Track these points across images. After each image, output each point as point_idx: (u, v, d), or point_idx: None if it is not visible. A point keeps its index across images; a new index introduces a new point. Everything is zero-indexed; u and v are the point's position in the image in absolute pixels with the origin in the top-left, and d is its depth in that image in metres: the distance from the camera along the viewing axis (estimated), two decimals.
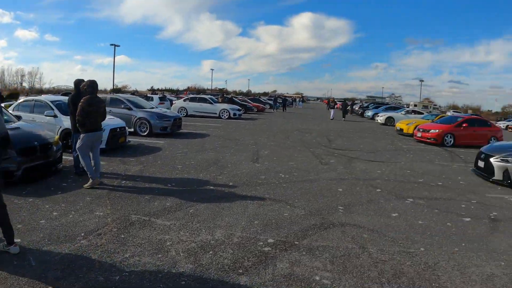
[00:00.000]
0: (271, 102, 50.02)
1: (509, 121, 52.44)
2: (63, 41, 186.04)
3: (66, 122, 9.65)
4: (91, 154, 7.11)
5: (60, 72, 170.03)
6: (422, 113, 32.58)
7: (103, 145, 9.63)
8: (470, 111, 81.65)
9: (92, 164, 7.05)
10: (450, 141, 17.67)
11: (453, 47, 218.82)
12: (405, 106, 59.79)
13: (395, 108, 39.09)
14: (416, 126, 20.02)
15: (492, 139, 17.87)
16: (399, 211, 6.49)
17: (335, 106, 40.26)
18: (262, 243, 4.78)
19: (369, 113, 40.43)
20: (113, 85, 70.12)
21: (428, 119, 24.45)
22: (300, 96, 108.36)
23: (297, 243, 4.84)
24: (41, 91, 73.32)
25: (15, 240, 4.24)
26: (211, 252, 4.43)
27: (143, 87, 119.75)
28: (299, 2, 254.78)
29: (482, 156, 10.23)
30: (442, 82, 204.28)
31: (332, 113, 35.28)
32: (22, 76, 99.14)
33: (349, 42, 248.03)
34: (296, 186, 7.84)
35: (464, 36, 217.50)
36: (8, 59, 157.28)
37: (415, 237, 5.30)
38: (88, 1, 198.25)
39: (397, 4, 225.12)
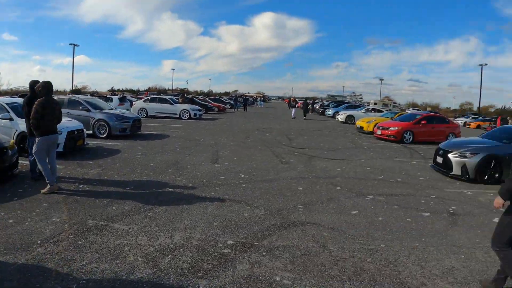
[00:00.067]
0: (232, 102, 50.27)
1: (467, 117, 55.16)
2: (22, 41, 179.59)
3: (22, 125, 9.25)
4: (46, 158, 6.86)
5: (18, 72, 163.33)
6: (382, 111, 33.45)
7: (60, 149, 9.54)
8: (429, 109, 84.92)
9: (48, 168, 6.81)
10: (409, 138, 18.25)
11: (413, 47, 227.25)
12: (366, 104, 61.46)
13: (355, 107, 40.05)
14: (376, 124, 20.54)
15: (450, 136, 18.61)
16: (359, 208, 6.59)
17: (296, 105, 40.81)
18: (221, 245, 4.73)
19: (330, 111, 41.18)
20: (72, 86, 68.94)
21: (387, 117, 25.11)
22: (261, 95, 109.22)
23: (257, 243, 4.82)
24: None
25: None
26: (170, 256, 4.35)
27: (104, 88, 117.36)
28: (260, 2, 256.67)
29: (441, 152, 10.60)
30: (401, 80, 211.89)
31: (293, 112, 35.73)
32: None
33: (311, 42, 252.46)
34: (256, 186, 7.83)
35: (423, 36, 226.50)
36: None
37: (375, 234, 5.39)
38: None
39: (357, 5, 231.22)
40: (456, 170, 9.79)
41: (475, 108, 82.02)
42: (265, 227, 5.44)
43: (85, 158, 9.99)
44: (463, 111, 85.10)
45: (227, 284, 3.79)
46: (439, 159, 10.55)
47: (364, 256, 4.61)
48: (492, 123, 42.18)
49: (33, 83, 7.44)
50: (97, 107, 14.95)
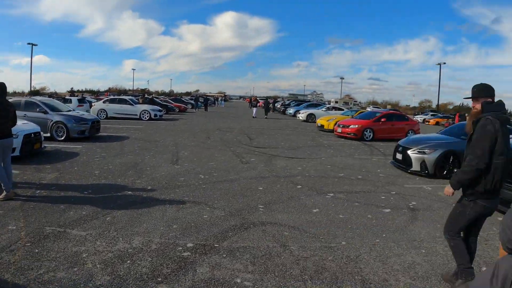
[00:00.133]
0: (193, 102, 50.00)
1: (426, 115, 57.29)
2: None
3: None
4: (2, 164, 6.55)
5: None
6: (343, 109, 34.18)
7: (16, 153, 9.34)
8: (389, 107, 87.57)
9: None
10: (370, 135, 18.71)
11: (373, 46, 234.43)
12: (327, 103, 62.55)
13: (316, 105, 40.76)
14: (337, 122, 20.94)
15: (410, 132, 19.23)
16: (320, 207, 6.65)
17: (258, 104, 40.97)
18: (181, 248, 4.66)
19: (291, 110, 41.79)
20: (31, 87, 67.31)
21: (348, 115, 25.67)
22: (222, 95, 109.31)
23: (217, 245, 4.77)
24: None
25: None
26: (129, 261, 4.24)
27: (63, 89, 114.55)
28: (222, 1, 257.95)
29: (400, 148, 10.91)
30: (362, 79, 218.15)
31: (254, 111, 35.92)
32: None
33: (272, 41, 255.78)
34: (216, 186, 7.78)
35: (384, 36, 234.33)
36: None
37: (336, 232, 5.45)
38: None
39: (319, 5, 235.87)
40: (416, 166, 10.09)
41: (434, 106, 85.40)
42: (225, 228, 5.41)
43: (42, 162, 9.69)
44: (422, 109, 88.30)
45: None
46: (399, 156, 10.84)
47: (325, 254, 4.64)
48: (450, 119, 43.85)
49: None
50: (54, 109, 14.63)
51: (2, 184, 6.47)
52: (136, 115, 26.31)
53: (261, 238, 5.09)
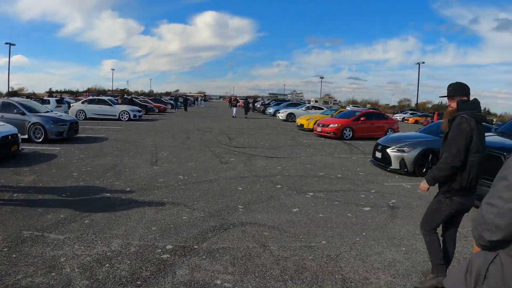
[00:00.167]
0: (172, 102, 49.67)
1: (405, 113, 58.33)
2: None
3: None
4: None
5: None
6: (322, 109, 34.46)
7: None
8: (368, 106, 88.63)
9: None
10: (349, 134, 18.87)
11: (353, 46, 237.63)
12: (306, 102, 62.91)
13: (296, 105, 41.02)
14: (316, 121, 21.05)
15: (389, 131, 19.46)
16: (299, 206, 6.66)
17: (238, 104, 41.00)
18: (160, 250, 4.61)
19: (271, 110, 41.95)
20: (9, 87, 65.89)
21: (327, 114, 25.85)
22: (202, 95, 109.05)
23: (196, 247, 4.73)
24: None
25: None
26: (107, 265, 4.17)
27: (42, 89, 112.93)
28: (203, 0, 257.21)
29: (379, 147, 11.02)
30: (342, 78, 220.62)
31: (234, 111, 35.93)
32: None
33: (252, 41, 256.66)
34: (195, 187, 7.73)
35: (363, 35, 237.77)
36: None
37: (316, 231, 5.46)
38: None
39: (299, 5, 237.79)
40: (395, 164, 10.21)
41: (413, 104, 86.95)
42: (205, 229, 5.37)
43: (20, 165, 9.49)
44: (401, 107, 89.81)
45: None
46: (378, 154, 10.95)
47: (306, 254, 4.64)
48: (429, 118, 44.65)
49: None
50: (32, 110, 14.39)
51: None
52: (115, 115, 26.09)
53: (241, 238, 5.07)
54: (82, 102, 27.25)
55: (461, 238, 5.15)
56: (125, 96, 39.53)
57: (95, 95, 54.74)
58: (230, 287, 3.79)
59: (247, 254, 4.58)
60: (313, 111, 32.39)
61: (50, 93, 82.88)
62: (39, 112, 14.54)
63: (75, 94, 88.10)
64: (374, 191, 8.02)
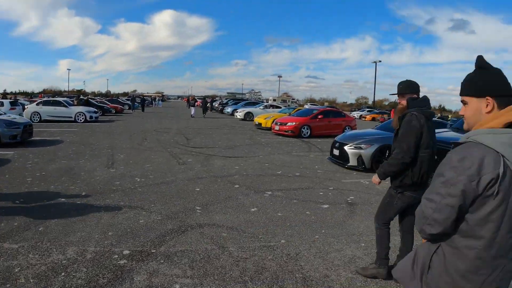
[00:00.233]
0: (129, 102, 48.75)
1: (363, 111, 59.82)
2: None
3: None
4: None
5: None
6: (280, 107, 34.76)
7: None
8: (326, 104, 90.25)
9: None
10: (307, 132, 19.09)
11: (311, 45, 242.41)
12: (265, 101, 63.29)
13: (254, 104, 41.19)
14: (274, 120, 21.18)
15: (347, 128, 19.81)
16: (258, 205, 6.65)
17: (196, 103, 40.74)
18: (117, 256, 4.47)
19: (229, 109, 42.02)
20: None
21: (285, 113, 26.06)
22: (160, 95, 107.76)
23: (154, 251, 4.63)
24: None
25: None
26: (63, 273, 4.00)
27: None
28: None
29: (337, 144, 11.19)
30: (300, 77, 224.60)
31: (192, 111, 35.64)
32: None
33: (211, 40, 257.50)
34: (152, 189, 7.59)
35: (321, 35, 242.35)
36: None
37: (275, 230, 5.46)
38: None
39: (257, 4, 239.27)
40: (353, 161, 10.39)
41: (370, 102, 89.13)
42: (162, 232, 5.26)
43: None
44: (359, 105, 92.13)
45: None
46: (336, 152, 11.11)
47: (265, 254, 4.62)
48: (385, 115, 45.88)
49: None
50: None
51: None
52: (71, 117, 25.35)
53: (199, 240, 4.99)
54: (37, 104, 26.30)
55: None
56: (81, 97, 38.60)
57: (51, 97, 53.11)
58: None
59: (206, 256, 4.52)
60: (271, 110, 32.60)
61: (4, 94, 79.62)
62: None
63: (30, 96, 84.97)
64: (332, 188, 8.12)
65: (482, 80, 1.79)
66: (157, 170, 9.50)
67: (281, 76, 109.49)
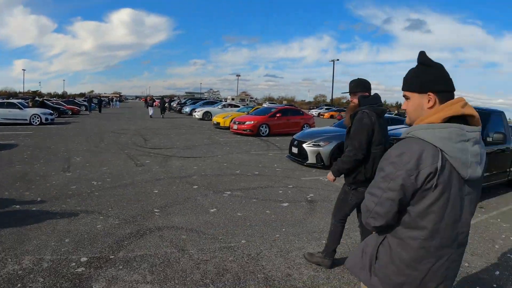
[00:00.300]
0: (86, 103, 47.41)
1: (321, 109, 60.78)
2: None
3: None
4: None
5: None
6: (239, 106, 34.77)
7: None
8: (285, 102, 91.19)
9: None
10: (266, 131, 19.17)
11: (269, 44, 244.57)
12: (223, 100, 63.18)
13: (212, 103, 40.98)
14: (232, 119, 21.14)
15: (305, 126, 20.03)
16: (217, 206, 6.58)
17: (154, 103, 40.15)
18: (74, 263, 4.28)
19: (187, 109, 41.60)
20: None
21: (244, 112, 26.09)
22: (117, 95, 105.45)
23: (112, 257, 4.46)
24: None
25: None
26: (19, 284, 3.79)
27: None
28: None
29: (296, 142, 11.27)
30: (258, 76, 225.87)
31: (150, 111, 35.02)
32: None
33: (169, 39, 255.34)
34: (109, 193, 7.35)
35: (280, 34, 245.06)
36: None
37: (235, 230, 5.41)
38: None
39: (216, 3, 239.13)
40: (311, 159, 10.48)
41: (328, 100, 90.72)
42: (120, 237, 5.09)
43: None
44: (317, 103, 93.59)
45: None
46: (295, 150, 11.19)
47: (226, 255, 4.57)
48: (343, 113, 46.73)
49: None
50: None
51: None
52: (26, 120, 24.33)
53: (158, 244, 4.87)
54: None
55: None
56: (36, 99, 37.31)
57: (5, 98, 51.00)
58: None
59: (166, 260, 4.41)
60: (229, 109, 32.55)
61: None
62: None
63: None
64: (291, 186, 8.15)
65: (424, 76, 1.82)
66: (114, 173, 9.25)
67: (239, 75, 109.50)
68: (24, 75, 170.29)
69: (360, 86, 4.06)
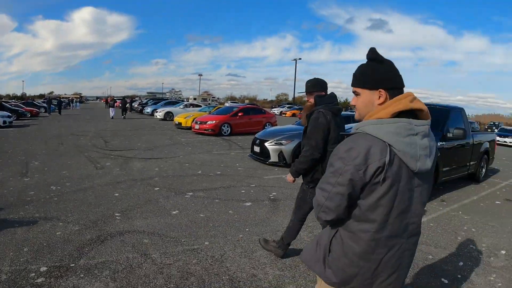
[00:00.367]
0: (46, 105, 45.87)
1: (283, 107, 61.31)
2: None
3: None
4: None
5: None
6: (200, 106, 34.57)
7: None
8: (247, 101, 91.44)
9: None
10: (227, 130, 19.12)
11: (232, 43, 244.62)
12: (185, 100, 62.68)
13: (174, 103, 40.60)
14: (194, 119, 20.94)
15: (267, 125, 20.09)
16: (179, 208, 6.47)
17: (115, 104, 39.33)
18: (34, 274, 4.07)
19: (148, 109, 41.03)
20: None
21: (205, 111, 25.91)
22: (78, 96, 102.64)
23: (73, 265, 4.28)
24: None
25: None
26: None
27: None
28: None
29: (258, 141, 11.26)
30: (221, 75, 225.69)
31: (112, 112, 34.18)
32: None
33: (130, 38, 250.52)
34: (68, 198, 7.07)
35: (242, 33, 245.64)
36: None
37: (198, 232, 5.32)
38: None
39: (178, 1, 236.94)
40: (274, 157, 10.49)
41: (290, 99, 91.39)
42: (81, 244, 4.89)
43: None
44: (279, 102, 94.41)
45: None
46: (257, 148, 11.17)
47: (189, 258, 4.48)
48: None
49: None
50: None
51: None
52: None
53: (120, 249, 4.72)
54: None
55: None
56: None
57: None
58: None
59: (128, 266, 4.27)
60: (191, 109, 32.28)
61: None
62: None
63: None
64: (254, 185, 8.13)
65: (376, 73, 1.83)
66: (74, 177, 8.94)
67: (201, 75, 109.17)
68: None
69: (316, 86, 4.12)
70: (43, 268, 4.21)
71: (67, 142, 16.02)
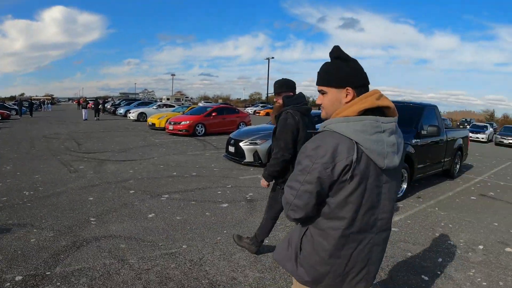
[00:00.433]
0: (16, 107, 44.58)
1: (256, 106, 61.49)
2: None
3: None
4: None
5: None
6: (174, 106, 34.24)
7: None
8: (220, 101, 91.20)
9: None
10: (202, 130, 19.00)
11: (204, 43, 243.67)
12: (158, 100, 62.03)
13: (147, 104, 40.12)
14: (168, 120, 20.73)
15: (241, 125, 20.05)
16: (155, 211, 6.35)
17: (87, 105, 38.55)
18: (9, 283, 3.91)
19: (121, 110, 40.25)
20: None
21: (179, 112, 25.71)
22: (49, 98, 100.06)
23: (49, 273, 4.13)
24: None
25: None
26: None
27: None
28: None
29: (232, 141, 11.20)
30: (193, 75, 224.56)
31: (84, 114, 33.46)
32: None
33: (102, 38, 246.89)
34: (42, 202, 6.84)
35: (215, 32, 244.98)
36: None
37: (175, 235, 5.23)
38: None
39: (149, 0, 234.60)
40: (249, 157, 10.45)
41: (263, 97, 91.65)
42: (56, 250, 4.72)
43: None
44: (252, 101, 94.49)
45: None
46: (232, 149, 11.11)
47: (167, 262, 4.39)
48: None
49: None
50: None
51: None
52: None
53: (96, 255, 4.58)
54: None
55: None
56: None
57: None
58: None
59: (105, 272, 4.15)
60: (164, 109, 31.97)
61: None
62: None
63: None
64: (230, 186, 8.07)
65: (342, 71, 1.82)
66: (47, 181, 8.67)
67: (174, 75, 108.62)
68: None
69: (284, 86, 4.11)
70: (18, 277, 4.05)
71: (39, 145, 15.61)
